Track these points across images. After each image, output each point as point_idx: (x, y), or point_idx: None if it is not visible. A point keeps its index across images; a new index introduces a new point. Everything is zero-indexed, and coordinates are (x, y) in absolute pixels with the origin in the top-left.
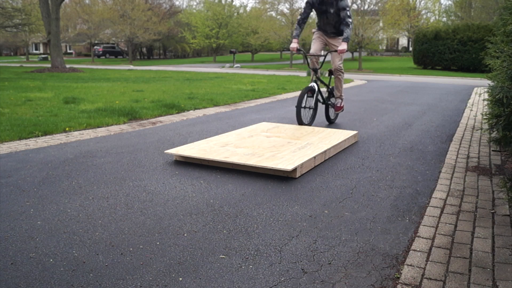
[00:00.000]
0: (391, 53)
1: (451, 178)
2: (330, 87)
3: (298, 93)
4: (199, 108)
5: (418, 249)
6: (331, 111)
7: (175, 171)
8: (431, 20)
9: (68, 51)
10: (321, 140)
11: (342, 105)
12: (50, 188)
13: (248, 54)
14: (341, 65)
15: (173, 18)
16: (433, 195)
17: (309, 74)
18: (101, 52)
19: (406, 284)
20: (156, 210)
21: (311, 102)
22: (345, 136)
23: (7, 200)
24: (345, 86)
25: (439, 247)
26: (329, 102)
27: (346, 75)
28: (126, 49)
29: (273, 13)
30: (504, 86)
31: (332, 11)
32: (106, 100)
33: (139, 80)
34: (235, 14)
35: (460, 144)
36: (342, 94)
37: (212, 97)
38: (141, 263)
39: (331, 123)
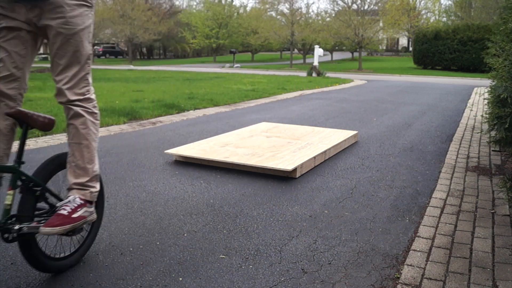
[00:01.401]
0: (391, 53)
1: (451, 178)
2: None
3: (298, 93)
4: (199, 108)
5: (418, 249)
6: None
7: (175, 171)
8: (431, 20)
9: None
10: (321, 140)
11: (84, 215)
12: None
13: (248, 54)
14: (86, 89)
15: (173, 18)
16: (433, 195)
17: (309, 74)
18: (101, 52)
19: (406, 284)
20: (156, 210)
21: None
22: (345, 136)
23: None
24: (345, 86)
25: (439, 247)
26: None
27: (346, 75)
28: (126, 49)
29: (273, 13)
30: (508, 86)
31: None
32: (106, 100)
33: (139, 80)
34: (235, 14)
35: (460, 144)
36: (96, 170)
37: (212, 97)
38: (141, 263)
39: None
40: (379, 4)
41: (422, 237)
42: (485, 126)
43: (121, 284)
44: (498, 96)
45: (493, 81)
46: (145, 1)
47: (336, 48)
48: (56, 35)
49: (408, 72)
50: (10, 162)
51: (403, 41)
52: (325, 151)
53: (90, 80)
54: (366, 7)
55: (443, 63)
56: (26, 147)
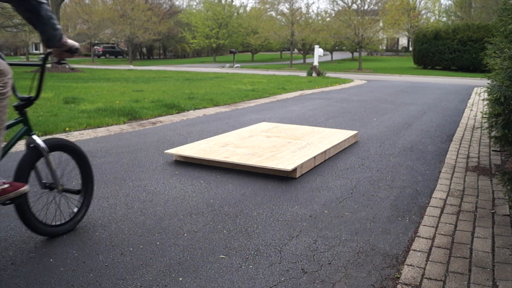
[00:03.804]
0: (391, 53)
1: (451, 178)
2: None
3: (298, 93)
4: (199, 108)
5: (418, 249)
6: None
7: (175, 171)
8: (431, 20)
9: None
10: (321, 140)
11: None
12: None
13: (248, 54)
14: None
15: (173, 18)
16: (433, 195)
17: (309, 74)
18: (101, 52)
19: (406, 284)
20: (156, 210)
21: None
22: (345, 136)
23: None
24: (345, 86)
25: (439, 247)
26: None
27: (346, 75)
28: (126, 49)
29: (273, 13)
30: (502, 85)
31: None
32: (106, 100)
33: (139, 80)
34: (235, 14)
35: (460, 144)
36: None
37: (212, 97)
38: (141, 263)
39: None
40: (379, 4)
41: (422, 237)
42: (485, 126)
43: (121, 284)
44: (494, 95)
45: (493, 82)
46: (145, 1)
47: (336, 48)
48: None
49: (408, 72)
50: None
51: (403, 41)
52: (325, 151)
53: None
54: (366, 7)
55: (443, 63)
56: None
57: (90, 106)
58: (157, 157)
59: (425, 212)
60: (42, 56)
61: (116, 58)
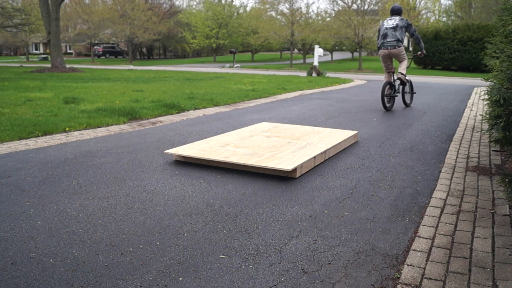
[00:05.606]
0: None
1: (451, 178)
2: None
3: (298, 93)
4: (199, 108)
5: (418, 249)
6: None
7: (175, 171)
8: (431, 20)
9: (68, 51)
10: (321, 140)
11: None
12: (50, 188)
13: (248, 54)
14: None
15: (173, 18)
16: (433, 195)
17: (309, 74)
18: (101, 52)
19: (406, 284)
20: (156, 210)
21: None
22: (345, 136)
23: (7, 200)
24: (345, 86)
25: (439, 247)
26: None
27: (346, 75)
28: (126, 49)
29: (273, 13)
30: (501, 88)
31: None
32: (106, 100)
33: (139, 80)
34: (235, 14)
35: (460, 144)
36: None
37: (212, 97)
38: (141, 263)
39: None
40: (379, 4)
41: (422, 237)
42: (485, 126)
43: (121, 284)
44: (493, 97)
45: (491, 82)
46: (145, 1)
47: (336, 48)
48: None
49: (408, 72)
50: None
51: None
52: (325, 151)
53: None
54: (366, 7)
55: (443, 63)
56: (26, 147)
57: (90, 106)
58: (157, 157)
59: (425, 212)
60: (412, 56)
61: (116, 58)
